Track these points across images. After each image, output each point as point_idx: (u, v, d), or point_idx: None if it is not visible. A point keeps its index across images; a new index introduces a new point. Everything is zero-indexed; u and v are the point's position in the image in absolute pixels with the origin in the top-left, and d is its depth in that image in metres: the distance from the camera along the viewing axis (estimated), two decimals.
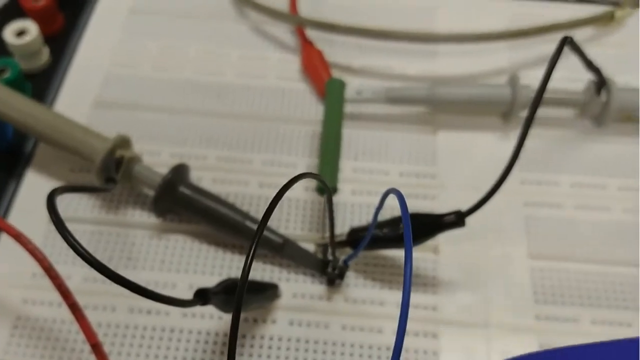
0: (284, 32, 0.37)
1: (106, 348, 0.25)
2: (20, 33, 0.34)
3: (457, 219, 0.26)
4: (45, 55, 0.36)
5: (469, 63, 0.35)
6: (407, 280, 0.16)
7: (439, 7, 0.39)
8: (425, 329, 0.27)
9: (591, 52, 0.36)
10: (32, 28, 0.34)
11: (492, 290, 0.28)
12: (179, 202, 0.29)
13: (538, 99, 0.24)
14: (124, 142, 0.29)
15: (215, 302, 0.23)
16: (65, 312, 0.22)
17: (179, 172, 0.29)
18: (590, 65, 0.30)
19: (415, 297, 0.27)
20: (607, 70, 0.33)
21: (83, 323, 0.22)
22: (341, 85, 0.31)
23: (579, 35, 0.37)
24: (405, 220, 0.18)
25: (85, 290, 0.27)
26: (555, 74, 0.32)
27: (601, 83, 0.31)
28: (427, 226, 0.26)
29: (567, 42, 0.27)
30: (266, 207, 0.29)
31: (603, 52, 0.36)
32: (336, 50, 0.36)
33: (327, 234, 0.27)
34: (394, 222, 0.27)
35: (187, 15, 0.38)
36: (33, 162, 0.32)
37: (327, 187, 0.22)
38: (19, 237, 0.23)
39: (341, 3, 0.38)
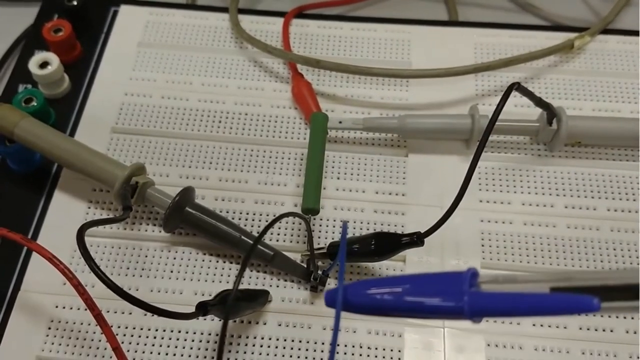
0: (277, 64, 0.40)
1: (125, 347, 0.30)
2: (43, 64, 0.38)
3: (417, 240, 0.30)
4: (65, 82, 0.39)
5: (440, 92, 0.39)
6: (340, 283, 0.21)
7: (412, 39, 0.42)
8: (392, 329, 0.31)
9: (552, 78, 0.40)
10: (53, 59, 0.38)
11: None
12: (186, 221, 0.33)
13: (483, 144, 0.28)
14: (139, 169, 0.33)
15: (214, 312, 0.27)
16: (91, 316, 0.27)
17: (186, 194, 0.33)
18: (539, 103, 0.33)
19: None
20: (565, 96, 0.37)
21: (106, 330, 0.26)
22: (324, 118, 0.35)
23: (541, 62, 0.41)
24: (342, 245, 0.23)
25: (107, 296, 0.30)
26: (517, 100, 0.36)
27: (552, 116, 0.35)
28: (392, 245, 0.30)
29: (515, 88, 0.31)
30: (259, 223, 0.34)
31: (563, 79, 0.40)
32: (324, 80, 0.40)
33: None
34: (363, 240, 0.31)
35: (190, 48, 0.41)
36: (59, 183, 0.36)
37: (305, 220, 0.27)
38: (51, 260, 0.27)
39: (329, 33, 0.42)
